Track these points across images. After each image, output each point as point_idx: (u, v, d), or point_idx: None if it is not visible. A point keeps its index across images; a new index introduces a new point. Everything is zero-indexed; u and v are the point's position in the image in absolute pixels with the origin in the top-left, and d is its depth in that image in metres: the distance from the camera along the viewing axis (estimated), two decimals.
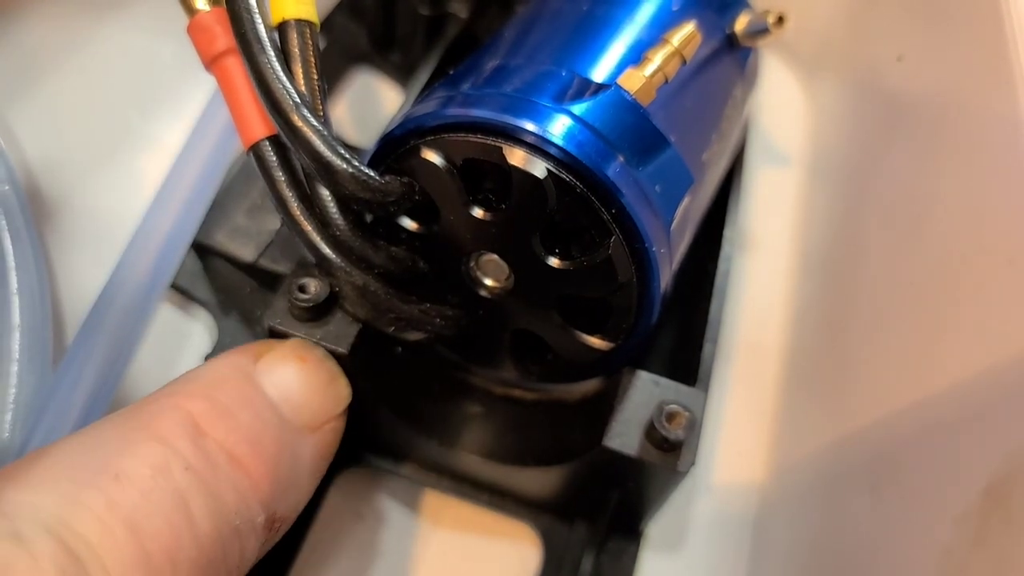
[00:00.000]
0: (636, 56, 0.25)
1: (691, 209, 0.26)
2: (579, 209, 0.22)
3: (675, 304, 0.29)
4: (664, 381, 0.25)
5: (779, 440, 0.32)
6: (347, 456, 0.30)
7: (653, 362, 0.30)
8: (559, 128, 0.22)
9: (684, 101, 0.27)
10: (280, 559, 0.28)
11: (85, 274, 0.33)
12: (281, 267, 0.30)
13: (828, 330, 0.32)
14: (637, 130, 0.23)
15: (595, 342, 0.25)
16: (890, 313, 0.27)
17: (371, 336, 0.26)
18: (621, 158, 0.22)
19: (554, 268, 0.23)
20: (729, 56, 0.30)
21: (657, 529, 0.30)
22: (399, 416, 0.28)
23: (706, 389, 0.26)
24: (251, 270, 0.30)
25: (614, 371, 0.26)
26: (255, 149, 0.23)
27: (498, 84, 0.24)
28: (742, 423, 0.33)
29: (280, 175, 0.23)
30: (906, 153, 0.30)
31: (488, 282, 0.26)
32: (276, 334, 0.25)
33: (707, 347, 0.28)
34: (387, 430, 0.29)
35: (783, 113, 0.43)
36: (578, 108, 0.23)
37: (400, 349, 0.28)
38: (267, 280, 0.30)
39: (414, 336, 0.25)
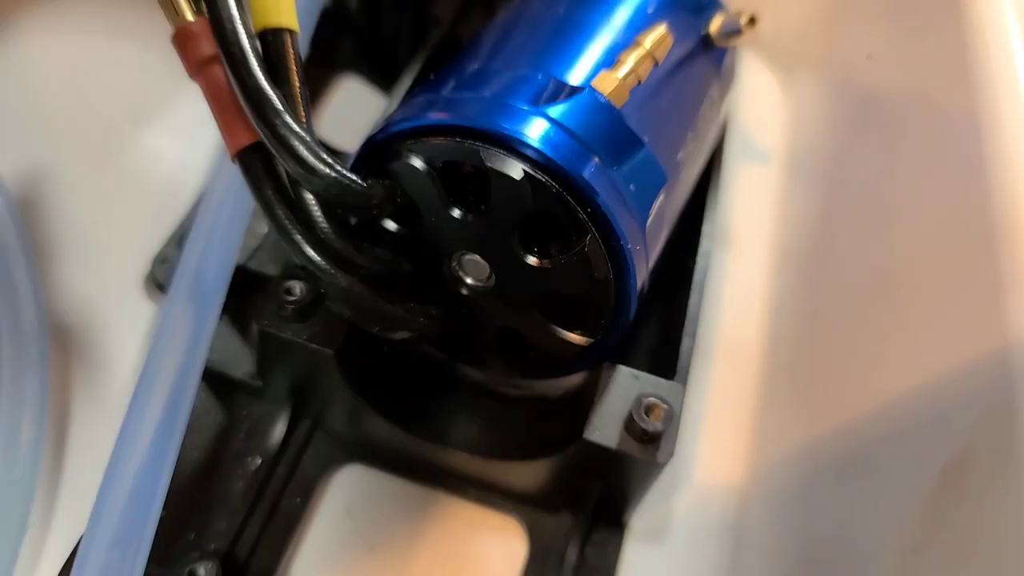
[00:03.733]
0: (611, 59, 0.26)
1: (666, 207, 0.27)
2: (556, 209, 0.23)
3: (656, 302, 0.30)
4: (643, 375, 0.26)
5: (758, 433, 0.33)
6: (338, 454, 0.31)
7: (635, 360, 0.30)
8: (535, 130, 0.23)
9: (659, 101, 0.27)
10: (271, 556, 0.29)
11: (76, 281, 0.33)
12: (269, 270, 0.30)
13: (805, 324, 0.33)
14: (611, 131, 0.24)
15: (575, 338, 0.26)
16: (863, 306, 0.28)
17: (357, 336, 0.26)
18: (596, 159, 0.23)
19: (533, 266, 0.24)
20: (705, 57, 0.31)
21: (640, 521, 0.31)
22: (386, 414, 0.29)
23: (684, 382, 0.27)
24: (240, 273, 0.31)
25: (594, 366, 0.27)
26: (240, 156, 0.24)
27: (476, 88, 0.25)
28: (722, 417, 0.34)
29: (265, 181, 0.24)
30: (876, 148, 0.31)
31: (470, 281, 0.26)
32: (264, 335, 0.26)
33: (686, 341, 0.28)
34: (374, 428, 0.30)
35: (761, 111, 0.44)
36: (553, 111, 0.23)
37: (386, 348, 0.29)
38: (255, 283, 0.31)
39: (399, 335, 0.26)
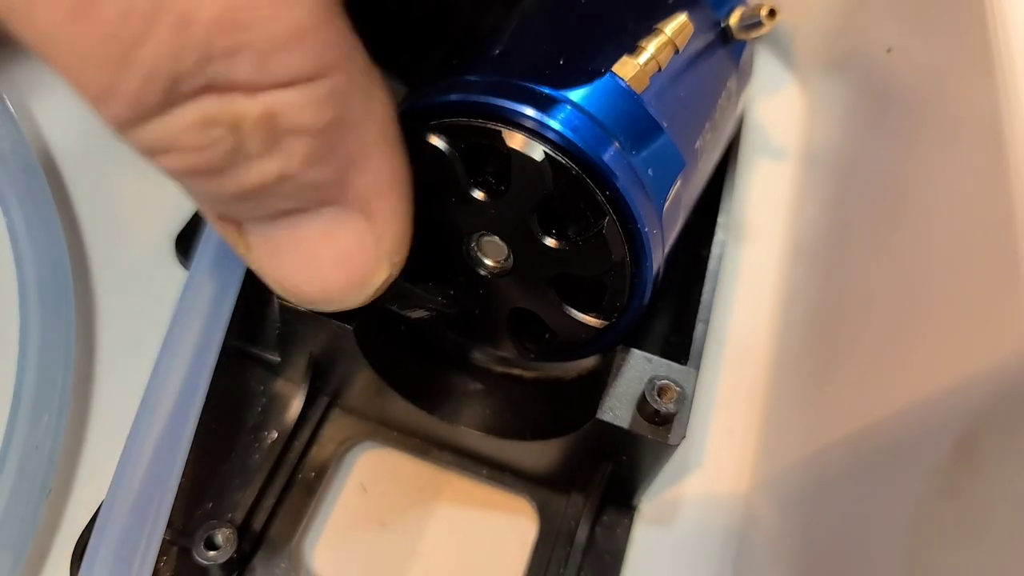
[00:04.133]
0: (631, 46, 0.26)
1: (683, 194, 0.27)
2: (575, 191, 0.23)
3: (670, 292, 0.30)
4: (656, 359, 0.27)
5: (769, 421, 0.33)
6: (353, 432, 0.31)
7: (648, 347, 0.31)
8: (556, 113, 0.23)
9: (678, 90, 0.28)
10: (285, 528, 0.29)
11: (103, 254, 0.34)
12: None
13: (818, 315, 0.33)
14: (631, 116, 0.24)
15: (590, 320, 0.26)
16: (876, 296, 0.28)
17: (376, 313, 0.27)
18: (616, 142, 0.23)
19: (551, 248, 0.24)
20: (723, 49, 0.31)
21: (650, 504, 0.31)
22: (402, 392, 0.30)
23: (697, 367, 0.27)
24: None
25: (608, 349, 0.27)
26: None
27: (499, 71, 0.25)
28: (733, 405, 0.34)
29: None
30: (894, 143, 0.31)
31: (488, 262, 0.27)
32: (284, 309, 0.27)
33: (699, 327, 0.29)
34: (390, 406, 0.30)
35: (778, 105, 0.44)
36: (574, 94, 0.24)
37: (403, 327, 0.29)
38: None
39: (417, 314, 0.26)
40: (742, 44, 0.33)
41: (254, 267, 0.20)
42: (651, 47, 0.25)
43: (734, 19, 0.31)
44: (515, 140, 0.23)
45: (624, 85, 0.24)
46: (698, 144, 0.29)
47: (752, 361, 0.35)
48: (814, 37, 0.43)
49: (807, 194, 0.39)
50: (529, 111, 0.23)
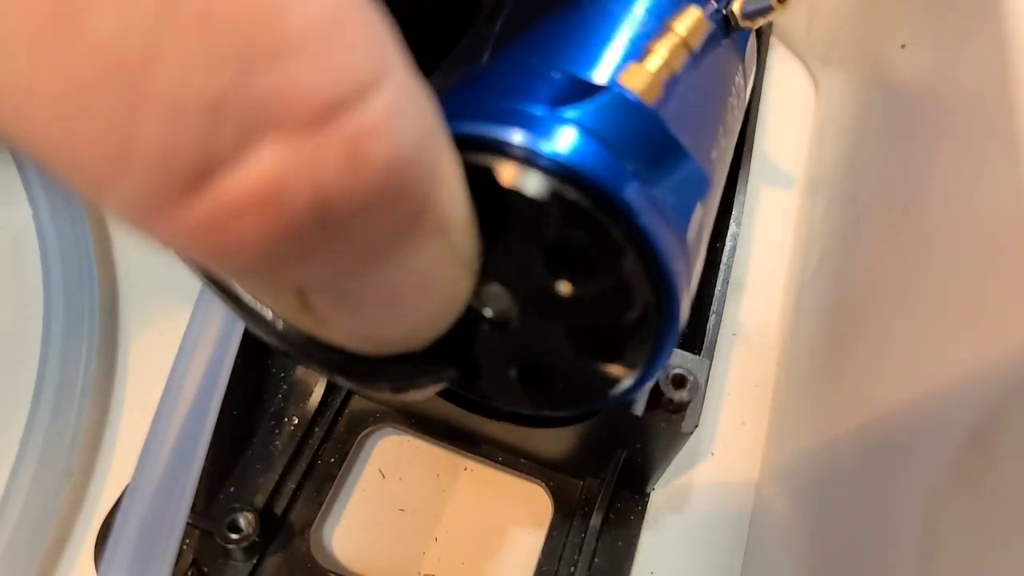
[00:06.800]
0: (634, 48, 0.23)
1: (705, 213, 0.24)
2: (585, 229, 0.20)
3: None
4: None
5: (780, 411, 0.33)
6: (373, 418, 0.32)
7: None
8: (556, 139, 0.19)
9: (689, 96, 0.24)
10: (306, 511, 0.30)
11: (125, 247, 0.35)
12: None
13: (830, 306, 0.33)
14: (644, 134, 0.21)
15: (614, 371, 0.23)
16: (888, 286, 0.28)
17: None
18: (630, 167, 0.20)
19: (561, 295, 0.21)
20: (727, 41, 0.28)
21: (663, 491, 0.32)
22: None
23: (710, 357, 0.28)
24: None
25: (630, 398, 0.25)
26: None
27: (481, 91, 0.21)
28: (745, 394, 0.35)
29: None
30: (907, 139, 0.31)
31: (488, 313, 0.23)
32: None
33: (711, 318, 0.29)
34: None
35: (789, 101, 0.44)
36: (576, 114, 0.20)
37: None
38: None
39: (419, 395, 0.21)
40: (746, 33, 0.29)
41: (317, 332, 0.16)
42: (661, 50, 0.21)
43: (737, 4, 0.28)
44: (508, 175, 0.19)
45: (633, 98, 0.21)
46: (714, 154, 0.25)
47: (764, 352, 0.36)
48: (826, 32, 0.43)
49: (819, 188, 0.39)
50: (522, 139, 0.19)
